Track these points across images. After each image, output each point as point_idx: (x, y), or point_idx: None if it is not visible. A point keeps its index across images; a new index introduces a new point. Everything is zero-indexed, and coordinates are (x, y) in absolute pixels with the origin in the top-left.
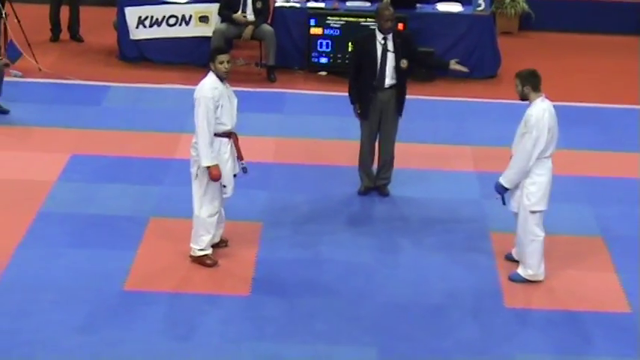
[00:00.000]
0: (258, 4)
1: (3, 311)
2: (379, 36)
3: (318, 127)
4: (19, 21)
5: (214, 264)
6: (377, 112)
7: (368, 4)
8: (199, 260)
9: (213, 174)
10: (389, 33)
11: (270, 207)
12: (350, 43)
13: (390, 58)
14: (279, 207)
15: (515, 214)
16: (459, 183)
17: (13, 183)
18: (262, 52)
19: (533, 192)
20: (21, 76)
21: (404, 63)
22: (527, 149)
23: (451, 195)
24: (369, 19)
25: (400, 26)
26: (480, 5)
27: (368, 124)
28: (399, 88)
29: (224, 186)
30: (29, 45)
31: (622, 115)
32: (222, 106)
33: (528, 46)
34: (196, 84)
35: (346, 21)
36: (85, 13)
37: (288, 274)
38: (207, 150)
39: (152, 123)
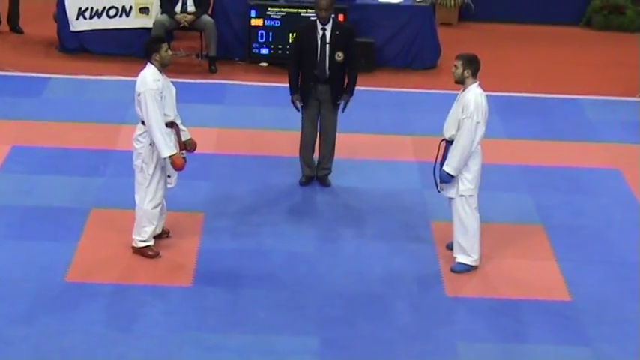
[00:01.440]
0: None
1: None
2: (319, 26)
3: (259, 118)
4: None
5: (156, 255)
6: (316, 103)
7: None
8: (141, 251)
9: (177, 163)
10: (326, 23)
11: (211, 198)
12: (290, 34)
13: (327, 49)
14: (220, 198)
15: (451, 200)
16: (400, 173)
17: None
18: (203, 43)
19: (469, 178)
20: None
21: (339, 56)
22: (470, 135)
23: (392, 185)
24: (309, 11)
25: (340, 17)
26: None
27: (308, 114)
28: (334, 81)
29: (169, 176)
30: None
31: (561, 105)
32: (164, 97)
33: (468, 37)
34: (136, 75)
35: (286, 12)
36: (25, 4)
37: (230, 265)
38: (165, 140)
39: (93, 114)
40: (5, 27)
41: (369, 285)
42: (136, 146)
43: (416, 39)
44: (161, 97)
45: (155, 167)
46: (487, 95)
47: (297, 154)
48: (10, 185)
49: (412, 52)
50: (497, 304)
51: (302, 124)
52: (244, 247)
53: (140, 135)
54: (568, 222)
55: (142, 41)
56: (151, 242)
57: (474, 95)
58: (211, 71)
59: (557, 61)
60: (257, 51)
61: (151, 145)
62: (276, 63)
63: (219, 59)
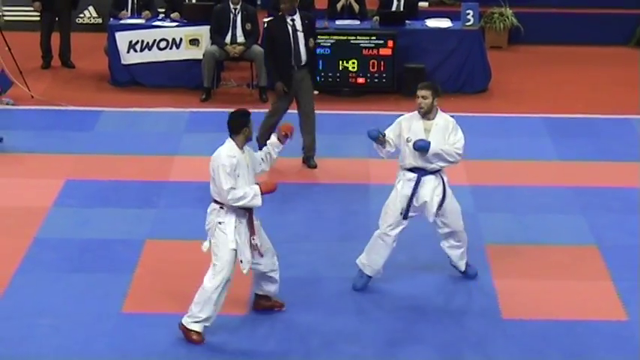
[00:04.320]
0: (248, 26)
1: (2, 337)
2: (287, 19)
3: None
4: (9, 49)
5: (199, 341)
6: (292, 91)
7: (357, 22)
8: (187, 331)
9: (268, 188)
10: (292, 14)
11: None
12: (341, 62)
13: (300, 37)
14: (273, 226)
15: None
16: (453, 196)
17: (8, 210)
18: (253, 73)
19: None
20: (13, 104)
21: (311, 42)
22: (463, 144)
23: None
24: (359, 38)
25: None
26: (468, 20)
27: (284, 100)
28: (311, 66)
29: (241, 261)
30: (21, 72)
31: (612, 125)
32: (239, 176)
33: (518, 60)
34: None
35: (336, 40)
36: (76, 39)
37: (285, 293)
38: (247, 199)
39: (145, 146)
40: (57, 62)
41: (423, 309)
42: (208, 223)
43: (466, 63)
44: (235, 176)
45: (224, 249)
46: (538, 117)
47: (346, 180)
48: (64, 219)
49: (462, 76)
50: (553, 325)
51: (273, 108)
52: (298, 275)
53: (210, 213)
54: (622, 242)
55: (192, 72)
56: (200, 329)
57: (448, 117)
58: (262, 100)
59: (607, 82)
60: None
61: (219, 223)
62: (326, 91)
63: (270, 88)
